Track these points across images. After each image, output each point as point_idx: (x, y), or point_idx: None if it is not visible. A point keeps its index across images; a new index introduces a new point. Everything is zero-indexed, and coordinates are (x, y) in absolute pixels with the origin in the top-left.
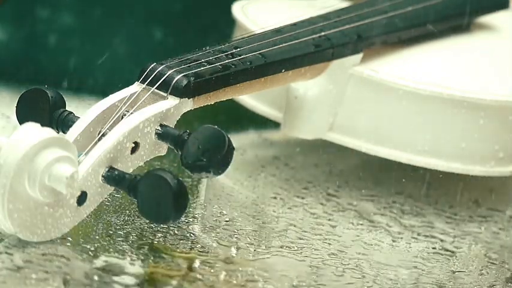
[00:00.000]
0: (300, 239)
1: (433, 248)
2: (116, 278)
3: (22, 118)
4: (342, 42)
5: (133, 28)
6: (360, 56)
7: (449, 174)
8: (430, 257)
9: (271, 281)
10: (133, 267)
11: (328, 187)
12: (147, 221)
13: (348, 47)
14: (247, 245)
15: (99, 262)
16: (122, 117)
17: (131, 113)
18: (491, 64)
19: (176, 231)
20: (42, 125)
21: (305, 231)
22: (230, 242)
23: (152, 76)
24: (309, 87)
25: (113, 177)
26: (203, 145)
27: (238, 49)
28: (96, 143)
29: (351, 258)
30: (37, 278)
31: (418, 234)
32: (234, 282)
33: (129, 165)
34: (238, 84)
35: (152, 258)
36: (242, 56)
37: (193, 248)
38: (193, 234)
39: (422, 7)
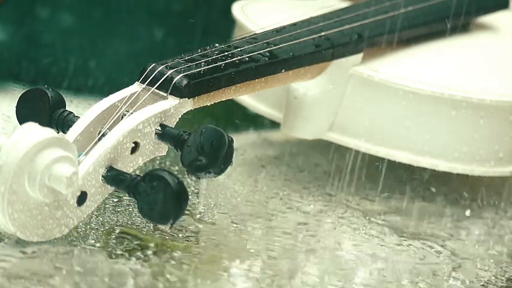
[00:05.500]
0: (300, 238)
1: (433, 248)
2: (115, 277)
3: (22, 118)
4: (342, 42)
5: (133, 28)
6: (360, 56)
7: (449, 174)
8: (430, 256)
9: (272, 280)
10: (133, 267)
11: (328, 187)
12: (147, 221)
13: (348, 47)
14: (247, 244)
15: (99, 262)
16: (122, 117)
17: (131, 113)
18: (491, 64)
19: (177, 231)
20: (42, 125)
21: (305, 231)
22: (230, 241)
23: (152, 76)
24: (309, 87)
25: (113, 177)
26: (203, 145)
27: (238, 49)
28: (96, 143)
29: (351, 258)
30: (37, 278)
31: (418, 235)
32: (235, 283)
33: (129, 165)
34: (238, 84)
35: (153, 258)
36: (242, 56)
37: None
38: (194, 233)
39: (422, 7)
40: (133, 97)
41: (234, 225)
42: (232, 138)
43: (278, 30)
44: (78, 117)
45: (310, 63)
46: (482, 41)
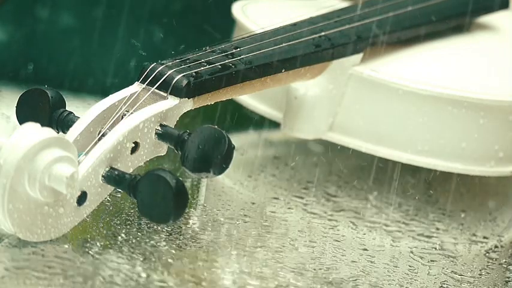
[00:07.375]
0: (300, 239)
1: (433, 249)
2: (115, 276)
3: (22, 118)
4: (342, 42)
5: (133, 28)
6: (360, 56)
7: (450, 174)
8: (430, 257)
9: (271, 280)
10: (133, 266)
11: (328, 187)
12: (148, 221)
13: (348, 47)
14: (247, 245)
15: (100, 261)
16: (122, 117)
17: (131, 113)
18: (491, 64)
19: (176, 231)
20: (42, 125)
21: (305, 231)
22: (230, 241)
23: (152, 76)
24: (309, 87)
25: (113, 177)
26: (203, 145)
27: (238, 49)
28: (96, 143)
29: (350, 259)
30: (37, 278)
31: (418, 235)
32: (236, 281)
33: (129, 165)
34: (238, 84)
35: (152, 258)
36: (242, 56)
37: (192, 247)
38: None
39: (422, 7)
40: (133, 97)
41: (234, 225)
42: (231, 139)
43: (278, 30)
44: (78, 117)
45: (310, 63)
46: (482, 41)
